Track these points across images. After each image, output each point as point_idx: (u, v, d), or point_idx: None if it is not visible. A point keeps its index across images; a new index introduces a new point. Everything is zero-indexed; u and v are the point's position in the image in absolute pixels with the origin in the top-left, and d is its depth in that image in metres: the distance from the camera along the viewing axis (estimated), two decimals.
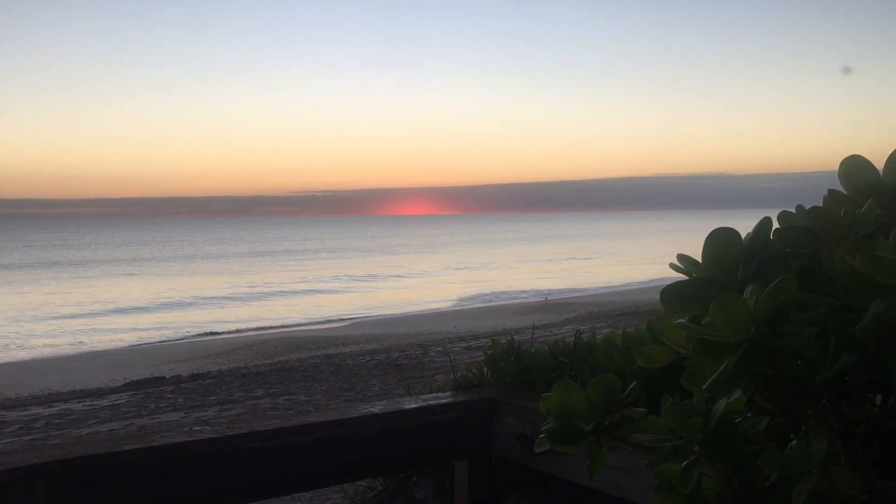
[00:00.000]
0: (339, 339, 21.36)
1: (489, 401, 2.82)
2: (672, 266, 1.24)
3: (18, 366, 19.68)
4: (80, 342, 23.74)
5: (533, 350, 2.97)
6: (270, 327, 26.13)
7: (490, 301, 32.94)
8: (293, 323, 27.51)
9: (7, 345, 23.59)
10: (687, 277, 1.20)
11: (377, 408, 2.65)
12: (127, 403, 12.81)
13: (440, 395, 2.87)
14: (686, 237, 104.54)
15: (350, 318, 28.08)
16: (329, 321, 27.68)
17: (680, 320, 1.21)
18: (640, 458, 1.29)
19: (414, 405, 2.69)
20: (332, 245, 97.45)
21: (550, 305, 28.03)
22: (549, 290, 36.40)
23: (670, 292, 1.13)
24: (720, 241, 1.11)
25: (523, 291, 36.45)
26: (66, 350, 22.09)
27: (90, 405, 12.90)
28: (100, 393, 14.13)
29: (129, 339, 24.29)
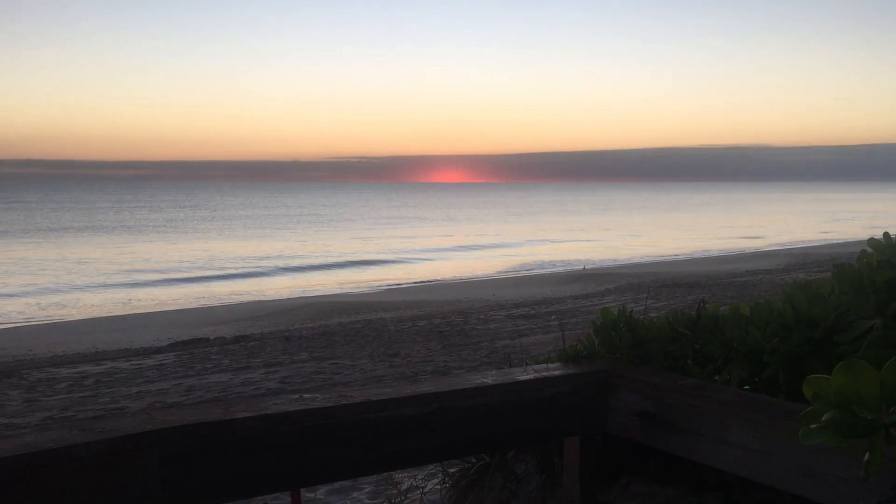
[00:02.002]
0: (377, 304, 21.30)
1: (603, 373, 2.63)
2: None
3: (64, 325, 19.98)
4: (122, 303, 24.04)
5: (649, 321, 2.76)
6: (307, 294, 26.19)
7: (528, 270, 32.71)
8: (328, 288, 27.57)
9: (52, 304, 23.97)
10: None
11: (490, 378, 2.48)
12: (174, 363, 12.88)
13: (550, 366, 2.69)
14: (721, 209, 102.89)
15: (386, 284, 28.06)
16: (365, 287, 27.69)
17: None
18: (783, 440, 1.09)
19: (528, 377, 2.51)
20: (365, 213, 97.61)
21: (588, 275, 27.72)
22: (586, 260, 36.04)
23: None
24: None
25: (560, 261, 36.13)
26: (109, 311, 22.37)
27: (137, 364, 13.00)
28: (145, 352, 14.24)
29: (169, 301, 24.53)
